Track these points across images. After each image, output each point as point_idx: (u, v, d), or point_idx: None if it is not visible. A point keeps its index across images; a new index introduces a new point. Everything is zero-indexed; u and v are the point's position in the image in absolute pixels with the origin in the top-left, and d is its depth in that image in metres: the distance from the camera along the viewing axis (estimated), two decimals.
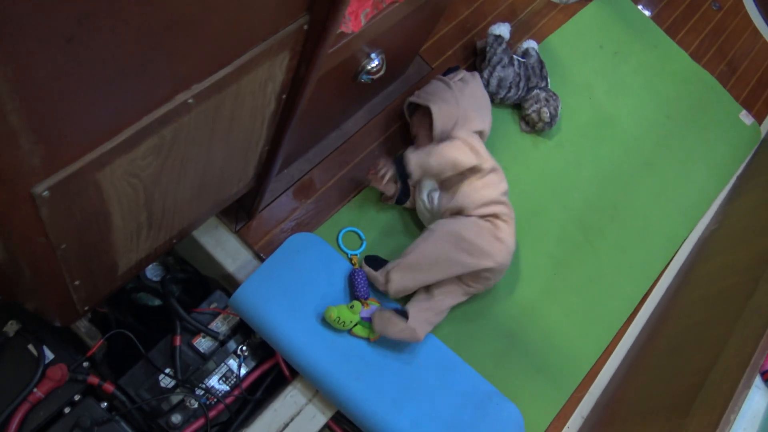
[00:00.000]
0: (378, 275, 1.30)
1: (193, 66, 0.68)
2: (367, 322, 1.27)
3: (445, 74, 1.57)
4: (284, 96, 0.95)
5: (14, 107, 0.50)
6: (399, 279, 1.28)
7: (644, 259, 1.65)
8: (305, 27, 0.81)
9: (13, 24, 0.44)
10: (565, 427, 1.38)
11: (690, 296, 1.52)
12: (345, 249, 1.37)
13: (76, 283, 0.89)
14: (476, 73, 1.57)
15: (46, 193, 0.63)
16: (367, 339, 1.28)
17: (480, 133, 1.42)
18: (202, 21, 0.61)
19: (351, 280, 1.31)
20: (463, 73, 1.53)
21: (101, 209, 0.77)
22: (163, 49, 0.60)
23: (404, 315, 1.25)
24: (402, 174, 1.35)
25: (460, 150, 1.34)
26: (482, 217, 1.34)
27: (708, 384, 1.10)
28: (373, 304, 1.30)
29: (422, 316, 1.27)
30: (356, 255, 1.36)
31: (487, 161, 1.36)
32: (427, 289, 1.33)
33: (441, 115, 1.39)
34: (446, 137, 1.37)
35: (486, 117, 1.47)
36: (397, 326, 1.23)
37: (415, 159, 1.33)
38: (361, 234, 1.40)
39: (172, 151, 0.79)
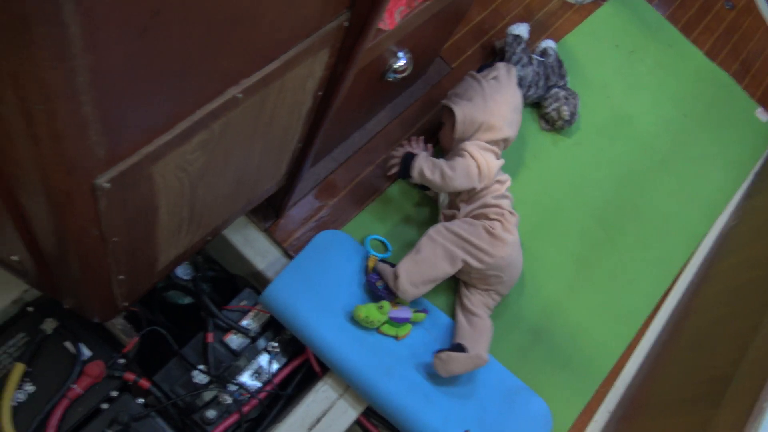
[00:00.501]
0: (390, 272, 1.30)
1: (245, 60, 0.70)
2: (395, 321, 1.28)
3: (479, 71, 1.53)
4: (320, 93, 0.97)
5: (89, 98, 0.52)
6: (405, 275, 1.28)
7: (665, 255, 1.67)
8: (345, 24, 0.84)
9: (96, 15, 0.46)
10: (592, 421, 1.39)
11: (712, 290, 1.53)
12: (372, 253, 1.37)
13: (121, 277, 0.91)
14: (512, 68, 1.50)
15: (107, 185, 0.65)
16: (395, 337, 1.30)
17: (504, 141, 1.41)
18: (259, 15, 0.63)
19: (368, 287, 1.32)
20: (497, 71, 1.47)
21: (151, 203, 0.79)
22: (224, 43, 0.62)
23: (460, 349, 1.26)
24: (404, 174, 1.38)
25: (464, 172, 1.34)
26: (474, 217, 1.36)
27: (739, 375, 1.11)
28: (402, 304, 1.31)
29: (478, 340, 1.28)
30: (375, 256, 1.36)
31: (487, 180, 1.35)
32: (464, 313, 1.34)
33: (464, 121, 1.39)
34: (466, 140, 1.39)
35: (515, 123, 1.43)
36: (461, 361, 1.24)
37: (418, 168, 1.36)
38: (388, 244, 1.40)
39: (218, 146, 0.81)
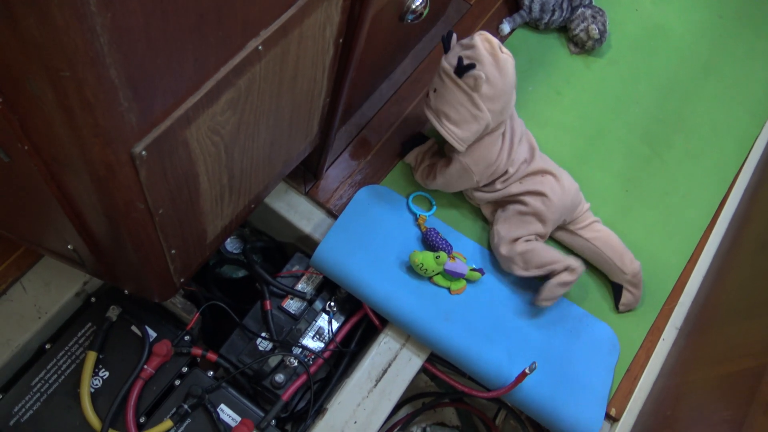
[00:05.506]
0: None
1: (261, 9, 0.68)
2: (449, 275, 1.27)
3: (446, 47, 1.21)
4: (341, 40, 0.95)
5: (114, 60, 0.52)
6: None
7: (717, 163, 1.60)
8: None
9: None
10: (660, 339, 1.36)
11: None
12: (415, 210, 1.36)
13: (173, 252, 0.92)
14: (476, 37, 1.16)
15: (144, 152, 0.65)
16: (448, 289, 1.28)
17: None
18: None
19: (427, 241, 1.30)
20: (468, 50, 1.17)
21: (190, 170, 0.79)
22: None
23: (618, 288, 1.38)
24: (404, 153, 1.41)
25: (455, 177, 1.33)
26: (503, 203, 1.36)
27: None
28: (459, 259, 1.30)
29: (613, 254, 1.37)
30: (425, 215, 1.35)
31: (485, 177, 1.32)
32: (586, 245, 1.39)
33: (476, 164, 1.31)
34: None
35: (505, 107, 1.22)
36: (629, 297, 1.37)
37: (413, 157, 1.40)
38: (432, 200, 1.38)
39: (247, 105, 0.81)
